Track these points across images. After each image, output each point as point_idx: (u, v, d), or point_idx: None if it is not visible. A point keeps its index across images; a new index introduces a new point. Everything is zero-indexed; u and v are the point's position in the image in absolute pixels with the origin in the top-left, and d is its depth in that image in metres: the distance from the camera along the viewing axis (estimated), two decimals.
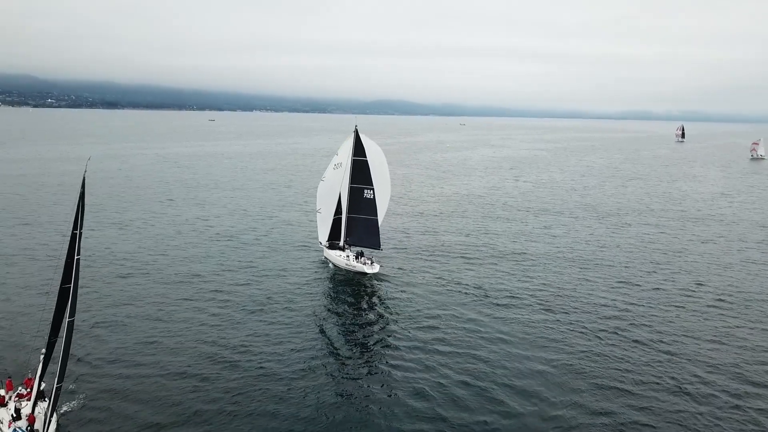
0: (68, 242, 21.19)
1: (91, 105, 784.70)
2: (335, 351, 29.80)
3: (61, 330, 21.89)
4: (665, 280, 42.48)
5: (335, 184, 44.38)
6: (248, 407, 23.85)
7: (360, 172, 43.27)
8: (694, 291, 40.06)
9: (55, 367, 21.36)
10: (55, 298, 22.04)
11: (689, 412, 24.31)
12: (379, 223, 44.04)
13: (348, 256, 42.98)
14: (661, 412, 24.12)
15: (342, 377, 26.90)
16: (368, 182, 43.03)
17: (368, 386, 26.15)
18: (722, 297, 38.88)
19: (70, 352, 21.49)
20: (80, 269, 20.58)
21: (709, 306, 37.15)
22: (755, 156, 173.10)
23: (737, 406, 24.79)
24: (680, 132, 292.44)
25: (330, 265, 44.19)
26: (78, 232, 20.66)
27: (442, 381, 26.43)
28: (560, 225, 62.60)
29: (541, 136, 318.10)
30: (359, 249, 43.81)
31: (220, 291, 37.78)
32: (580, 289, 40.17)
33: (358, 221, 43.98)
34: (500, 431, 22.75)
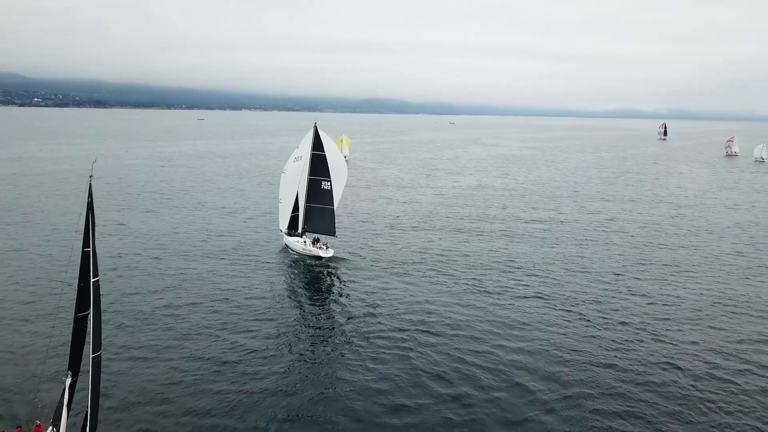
0: (80, 262, 17.77)
1: (79, 104, 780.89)
2: (291, 330, 32.28)
3: (83, 366, 18.68)
4: (647, 270, 44.77)
5: (295, 176, 47.44)
6: (214, 391, 24.83)
7: (319, 165, 46.50)
8: (678, 282, 41.95)
9: (76, 412, 18.97)
10: (69, 327, 18.35)
11: (675, 390, 26.09)
12: (335, 211, 47.18)
13: (305, 242, 46.27)
14: (650, 394, 25.84)
15: (298, 353, 29.28)
16: (326, 174, 46.30)
17: (317, 359, 28.83)
18: (706, 286, 41.28)
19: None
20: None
21: (695, 295, 39.30)
22: (729, 153, 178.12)
23: (719, 385, 26.72)
24: (662, 130, 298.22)
25: (289, 250, 47.38)
26: (91, 249, 17.26)
27: (385, 354, 29.21)
28: (548, 219, 65.13)
29: (532, 134, 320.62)
30: (316, 235, 47.10)
31: (193, 279, 40.49)
32: (556, 274, 42.86)
33: (316, 210, 47.24)
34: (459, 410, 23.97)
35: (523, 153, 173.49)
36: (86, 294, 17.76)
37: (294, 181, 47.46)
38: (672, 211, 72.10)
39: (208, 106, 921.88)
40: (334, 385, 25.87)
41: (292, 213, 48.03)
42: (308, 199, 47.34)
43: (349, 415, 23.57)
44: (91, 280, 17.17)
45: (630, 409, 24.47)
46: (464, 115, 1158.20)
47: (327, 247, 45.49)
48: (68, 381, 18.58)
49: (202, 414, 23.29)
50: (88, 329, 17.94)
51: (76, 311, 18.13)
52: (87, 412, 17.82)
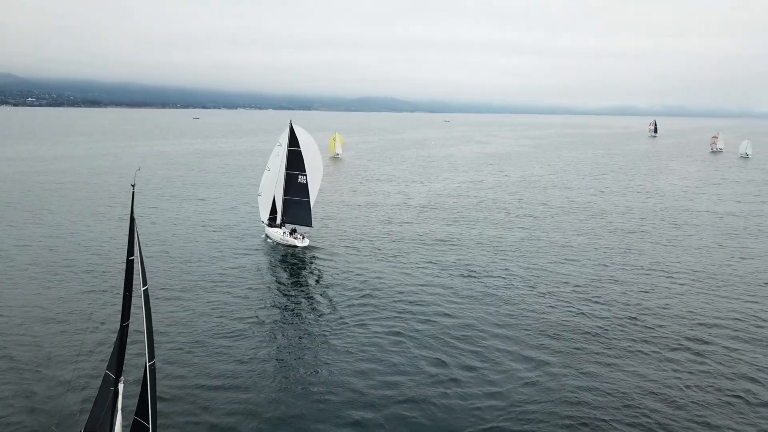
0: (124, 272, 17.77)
1: (73, 103, 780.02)
2: (275, 313, 34.40)
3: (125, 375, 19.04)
4: (631, 260, 46.50)
5: (275, 172, 50.25)
6: (194, 379, 25.63)
7: (294, 160, 49.27)
8: (656, 270, 43.83)
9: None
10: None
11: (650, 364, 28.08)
12: (311, 205, 50.03)
13: (284, 232, 49.21)
14: (624, 368, 27.82)
15: (272, 336, 31.37)
16: (301, 169, 49.05)
17: (289, 342, 30.94)
18: (680, 272, 43.47)
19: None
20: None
21: (670, 280, 41.45)
22: (714, 149, 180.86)
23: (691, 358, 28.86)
24: (653, 127, 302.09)
25: (269, 240, 50.27)
26: (139, 259, 17.40)
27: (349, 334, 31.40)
28: (539, 213, 66.97)
29: (526, 132, 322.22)
30: (293, 226, 49.95)
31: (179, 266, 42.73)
32: (544, 263, 44.78)
33: (293, 202, 50.05)
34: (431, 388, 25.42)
35: (517, 150, 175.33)
36: (129, 303, 18.02)
37: (274, 176, 50.13)
38: (657, 205, 74.03)
39: (203, 105, 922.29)
40: (325, 360, 27.89)
41: (272, 205, 50.83)
42: (286, 193, 50.09)
43: (345, 388, 25.30)
44: (141, 288, 17.16)
45: (605, 380, 26.50)
46: (459, 113, 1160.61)
47: (303, 237, 48.54)
48: (121, 387, 18.49)
49: (210, 389, 24.94)
50: (127, 338, 18.37)
51: (123, 320, 18.14)
52: (135, 419, 18.10)
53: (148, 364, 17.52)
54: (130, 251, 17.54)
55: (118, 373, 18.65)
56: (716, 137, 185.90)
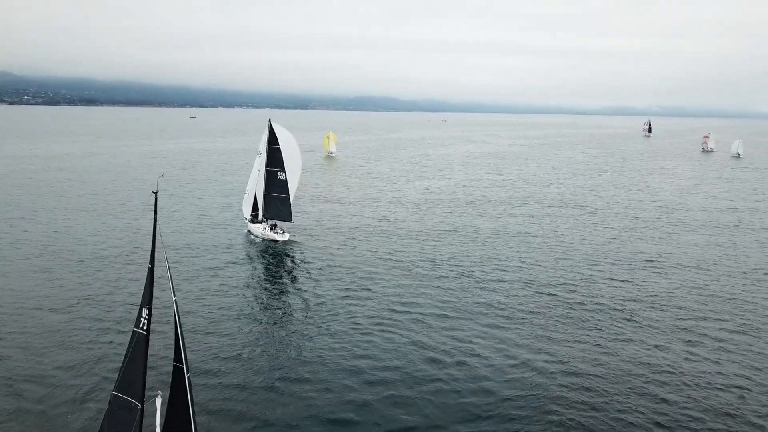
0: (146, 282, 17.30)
1: (69, 102, 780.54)
2: (245, 301, 35.27)
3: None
4: (624, 258, 46.90)
5: (259, 170, 51.43)
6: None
7: (274, 158, 50.38)
8: (643, 266, 44.48)
9: None
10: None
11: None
12: (291, 200, 51.13)
13: (265, 228, 50.35)
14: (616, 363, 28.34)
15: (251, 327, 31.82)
16: (281, 166, 50.09)
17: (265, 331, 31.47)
18: (670, 269, 44.14)
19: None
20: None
21: (658, 277, 42.11)
22: (705, 149, 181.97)
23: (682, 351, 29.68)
24: (647, 127, 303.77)
25: (251, 235, 51.54)
26: (168, 269, 17.00)
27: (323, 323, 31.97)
28: (535, 212, 67.16)
29: (523, 132, 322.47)
30: (274, 221, 51.01)
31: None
32: (538, 260, 45.20)
33: (274, 198, 51.09)
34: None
35: (513, 150, 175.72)
36: (151, 315, 17.34)
37: (258, 176, 51.29)
38: (649, 205, 74.45)
39: (201, 104, 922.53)
40: (317, 348, 28.55)
41: (254, 202, 52.13)
42: (266, 189, 51.25)
43: (336, 378, 25.73)
44: (173, 298, 16.66)
45: (598, 371, 27.13)
46: (456, 112, 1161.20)
47: (283, 232, 49.81)
48: (159, 402, 17.60)
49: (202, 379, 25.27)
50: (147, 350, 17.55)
51: (148, 332, 17.38)
52: None
53: (186, 376, 16.75)
54: (151, 259, 16.94)
55: (142, 395, 17.30)
56: (707, 137, 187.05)
